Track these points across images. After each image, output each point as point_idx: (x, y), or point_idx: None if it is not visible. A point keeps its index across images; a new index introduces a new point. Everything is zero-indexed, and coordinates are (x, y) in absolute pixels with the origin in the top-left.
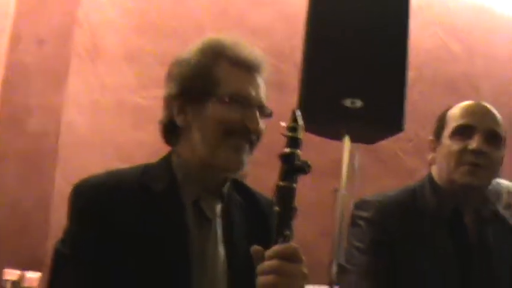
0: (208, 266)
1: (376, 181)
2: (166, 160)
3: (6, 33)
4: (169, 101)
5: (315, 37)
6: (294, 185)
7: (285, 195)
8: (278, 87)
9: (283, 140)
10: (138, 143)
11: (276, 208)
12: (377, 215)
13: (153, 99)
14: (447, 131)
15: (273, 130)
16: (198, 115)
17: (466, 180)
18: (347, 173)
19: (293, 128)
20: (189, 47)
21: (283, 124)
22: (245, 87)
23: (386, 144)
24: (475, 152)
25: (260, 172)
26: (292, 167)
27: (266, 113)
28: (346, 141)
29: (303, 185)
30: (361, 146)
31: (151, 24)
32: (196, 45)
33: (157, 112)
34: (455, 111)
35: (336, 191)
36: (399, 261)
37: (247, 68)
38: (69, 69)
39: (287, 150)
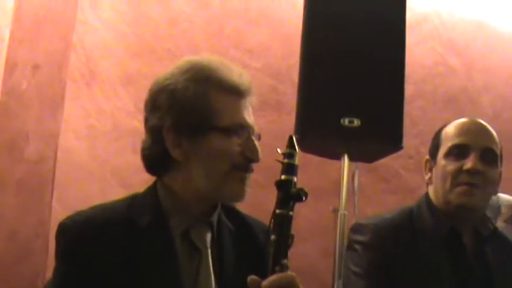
0: None
1: (378, 200)
2: (152, 191)
3: (1, 59)
4: (159, 132)
5: (311, 56)
6: (291, 212)
7: (282, 223)
8: (275, 107)
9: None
10: (137, 167)
11: (273, 236)
12: (373, 239)
13: None
14: (442, 151)
15: (272, 152)
16: (197, 149)
17: (461, 200)
18: (347, 193)
19: (289, 155)
20: (169, 72)
21: (279, 151)
22: (242, 116)
23: (387, 162)
24: (471, 172)
25: (259, 195)
26: (288, 195)
27: (257, 136)
28: (345, 161)
29: (303, 206)
30: (362, 165)
31: (146, 47)
32: (181, 70)
33: None
34: (450, 130)
35: (335, 210)
36: (398, 284)
37: (240, 94)
38: (65, 94)
39: (283, 177)
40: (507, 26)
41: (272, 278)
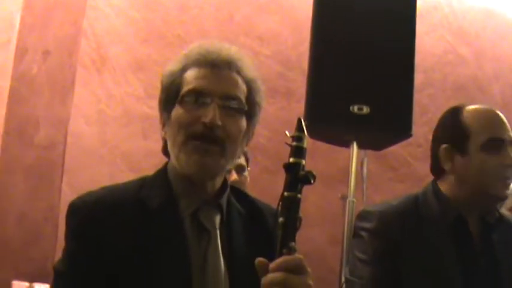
0: (209, 279)
1: (387, 187)
2: (162, 172)
3: (12, 45)
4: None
5: (321, 44)
6: (299, 195)
7: (290, 205)
8: (285, 94)
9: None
10: (146, 152)
11: (281, 219)
12: (379, 226)
13: None
14: (475, 143)
15: (281, 139)
16: (168, 125)
17: (504, 194)
18: (356, 180)
19: (298, 138)
20: None
21: (288, 134)
22: (202, 82)
23: (396, 149)
24: (509, 167)
25: (268, 180)
26: (296, 177)
27: (235, 107)
28: (354, 148)
29: (312, 192)
30: (371, 153)
31: (156, 33)
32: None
33: None
34: (480, 121)
35: (343, 198)
36: (403, 270)
37: (211, 64)
38: (75, 80)
39: (291, 160)
40: None
41: (279, 260)
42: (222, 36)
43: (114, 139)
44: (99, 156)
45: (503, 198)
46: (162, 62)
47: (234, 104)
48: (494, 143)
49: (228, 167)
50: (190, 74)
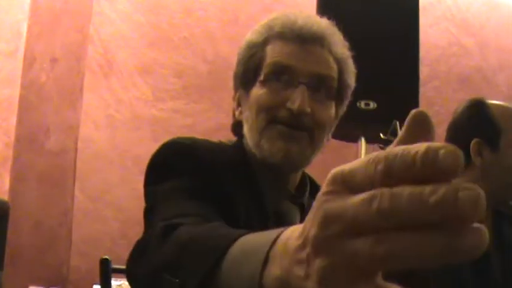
0: None
1: None
2: (240, 155)
3: (20, 53)
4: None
5: None
6: None
7: None
8: None
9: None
10: None
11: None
12: None
13: (169, 110)
14: (508, 140)
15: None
16: (245, 105)
17: None
18: None
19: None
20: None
21: (382, 136)
22: (287, 59)
23: None
24: None
25: None
26: None
27: (326, 91)
28: (362, 143)
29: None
30: (378, 148)
31: (163, 36)
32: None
33: (174, 123)
34: (509, 118)
35: None
36: None
37: (299, 39)
38: (83, 85)
39: None
40: None
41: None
42: (228, 37)
43: (124, 143)
44: (110, 160)
45: None
46: (169, 65)
47: (325, 86)
48: None
49: (314, 158)
50: (275, 49)
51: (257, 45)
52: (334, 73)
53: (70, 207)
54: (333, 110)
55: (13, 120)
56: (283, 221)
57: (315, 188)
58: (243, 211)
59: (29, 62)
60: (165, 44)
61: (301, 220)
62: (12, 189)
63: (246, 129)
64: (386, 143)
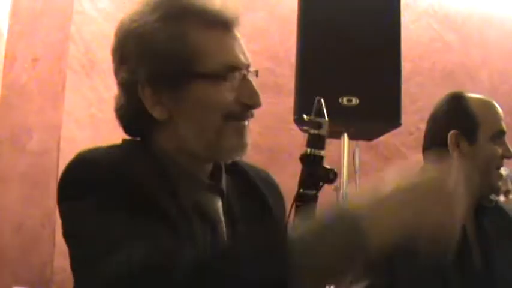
0: None
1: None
2: (149, 157)
3: (0, 53)
4: (133, 88)
5: (308, 37)
6: (317, 194)
7: (306, 204)
8: (274, 89)
9: (283, 142)
10: None
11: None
12: None
13: None
14: (486, 132)
15: (273, 133)
16: (181, 103)
17: (498, 185)
18: (348, 171)
19: (317, 124)
20: (135, 12)
21: (306, 117)
22: (232, 55)
23: (387, 139)
24: (506, 158)
25: None
26: (314, 173)
27: (254, 73)
28: (345, 139)
29: None
30: (362, 143)
31: None
32: (151, 9)
33: None
34: (489, 112)
35: (336, 189)
36: (396, 256)
37: (224, 25)
38: (65, 85)
39: (308, 151)
40: (502, 2)
41: None
42: None
43: (106, 142)
44: None
45: (497, 189)
46: None
47: (253, 70)
48: (500, 135)
49: None
50: (210, 41)
51: (179, 38)
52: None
53: (53, 208)
54: None
55: None
56: (204, 211)
57: (237, 167)
58: (168, 209)
59: (10, 61)
60: None
61: (226, 205)
62: None
63: (184, 128)
64: (310, 124)
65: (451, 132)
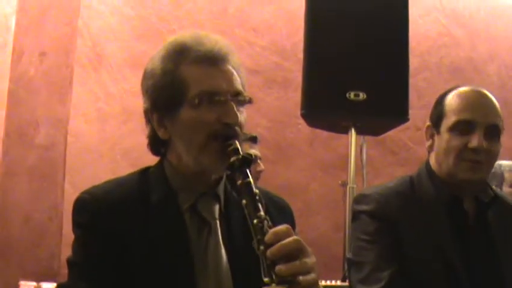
0: (211, 269)
1: (387, 172)
2: (160, 168)
3: (8, 47)
4: (148, 115)
5: (315, 32)
6: (248, 179)
7: (246, 189)
8: (282, 84)
9: (291, 137)
10: (147, 148)
11: (244, 201)
12: (378, 208)
13: None
14: (446, 123)
15: (280, 127)
16: (175, 126)
17: (467, 176)
18: (356, 166)
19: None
20: (153, 55)
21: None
22: (212, 82)
23: (395, 134)
24: (476, 150)
25: (268, 169)
26: (239, 164)
27: (245, 101)
28: (352, 134)
29: (313, 181)
30: (370, 139)
31: (152, 29)
32: (159, 51)
33: None
34: (455, 102)
35: (344, 184)
36: (403, 250)
37: (211, 61)
38: (72, 79)
39: (232, 159)
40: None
41: (276, 248)
42: (217, 30)
43: (114, 136)
44: (100, 153)
45: (467, 180)
46: None
47: (242, 97)
48: (463, 125)
49: None
50: (195, 73)
51: (171, 72)
52: (240, 85)
53: (60, 201)
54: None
55: (2, 114)
56: (198, 212)
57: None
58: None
59: (18, 55)
60: (154, 37)
61: (220, 208)
62: (2, 184)
63: (179, 146)
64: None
65: (426, 124)
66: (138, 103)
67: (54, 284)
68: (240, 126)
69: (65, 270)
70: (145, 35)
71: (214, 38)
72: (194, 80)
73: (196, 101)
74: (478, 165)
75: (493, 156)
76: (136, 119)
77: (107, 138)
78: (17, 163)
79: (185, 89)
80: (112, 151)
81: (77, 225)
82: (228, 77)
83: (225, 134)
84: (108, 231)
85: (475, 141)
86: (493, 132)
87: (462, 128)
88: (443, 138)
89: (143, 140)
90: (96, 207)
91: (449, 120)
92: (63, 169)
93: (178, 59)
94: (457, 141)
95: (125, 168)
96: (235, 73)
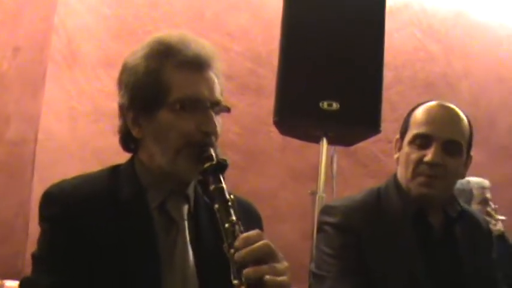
0: (177, 269)
1: (356, 183)
2: (130, 165)
3: None
4: (123, 111)
5: (291, 40)
6: (221, 184)
7: (219, 193)
8: (255, 90)
9: (262, 144)
10: (117, 149)
11: (216, 205)
12: (343, 220)
13: None
14: (408, 136)
15: (252, 134)
16: (151, 126)
17: (421, 191)
18: (326, 176)
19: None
20: (135, 49)
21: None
22: (196, 89)
23: (366, 146)
24: (430, 164)
25: (238, 176)
26: (214, 169)
27: (223, 109)
28: (324, 144)
29: (283, 189)
30: (341, 149)
31: (127, 30)
32: (142, 47)
33: None
34: (418, 115)
35: (313, 193)
36: (368, 263)
37: (196, 66)
38: (46, 76)
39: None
40: (486, 16)
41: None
42: (193, 33)
43: (85, 135)
44: (70, 152)
45: (421, 195)
46: None
47: (221, 107)
48: (420, 139)
49: None
50: (179, 77)
51: (154, 72)
52: (219, 94)
53: (27, 199)
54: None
55: None
56: (167, 210)
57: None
58: (116, 226)
59: None
60: (130, 37)
61: (189, 208)
62: None
63: (153, 146)
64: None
65: (396, 137)
66: (110, 103)
67: (18, 282)
68: (216, 135)
69: (29, 269)
70: (121, 35)
71: (201, 43)
72: (177, 84)
73: (178, 106)
74: (433, 181)
75: (451, 172)
76: (108, 119)
77: (78, 137)
78: None
79: (167, 92)
80: (82, 150)
81: (43, 218)
82: (210, 85)
83: (202, 142)
84: (75, 226)
85: (430, 155)
86: (452, 147)
87: (420, 142)
88: (404, 151)
89: (114, 141)
90: (64, 201)
91: (410, 133)
92: (32, 166)
93: (163, 60)
94: (414, 155)
95: (94, 168)
96: (216, 81)
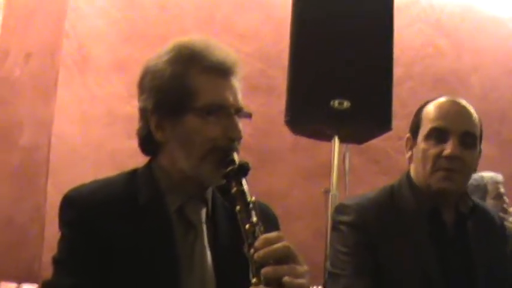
0: (196, 272)
1: (369, 180)
2: (149, 169)
3: None
4: (145, 114)
5: (301, 39)
6: (242, 187)
7: (240, 196)
8: (266, 91)
9: (273, 144)
10: (131, 152)
11: (237, 207)
12: (357, 219)
13: None
14: (422, 132)
15: (263, 134)
16: (176, 131)
17: (441, 185)
18: (338, 174)
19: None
20: (157, 53)
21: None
22: (222, 95)
23: (378, 143)
24: (450, 158)
25: (251, 176)
26: (235, 172)
27: (246, 115)
28: (336, 142)
29: (295, 188)
30: (353, 147)
31: (138, 33)
32: (166, 52)
33: None
34: (430, 111)
35: (326, 192)
36: (382, 262)
37: (222, 72)
38: (58, 81)
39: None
40: (494, 10)
41: (264, 252)
42: (203, 35)
43: (97, 139)
44: (83, 156)
45: (442, 190)
46: (144, 61)
47: (243, 113)
48: (437, 133)
49: None
50: (205, 82)
51: (180, 77)
52: (241, 100)
53: (42, 203)
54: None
55: None
56: (185, 214)
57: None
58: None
59: (3, 56)
60: (141, 41)
61: (207, 212)
62: None
63: (177, 151)
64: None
65: (406, 135)
66: (123, 106)
67: (35, 286)
68: (240, 141)
69: (46, 272)
70: (131, 38)
71: (225, 49)
72: (204, 89)
73: (205, 111)
74: (453, 174)
75: (469, 164)
76: (120, 122)
77: (91, 140)
78: (0, 164)
79: (193, 96)
80: (96, 154)
81: (63, 222)
82: (234, 91)
83: (227, 147)
84: (94, 229)
85: (449, 148)
86: (468, 140)
87: (436, 136)
88: (420, 147)
89: (127, 143)
90: (83, 206)
91: (424, 129)
92: (46, 171)
93: (188, 65)
94: (432, 150)
95: (108, 171)
96: (238, 87)
